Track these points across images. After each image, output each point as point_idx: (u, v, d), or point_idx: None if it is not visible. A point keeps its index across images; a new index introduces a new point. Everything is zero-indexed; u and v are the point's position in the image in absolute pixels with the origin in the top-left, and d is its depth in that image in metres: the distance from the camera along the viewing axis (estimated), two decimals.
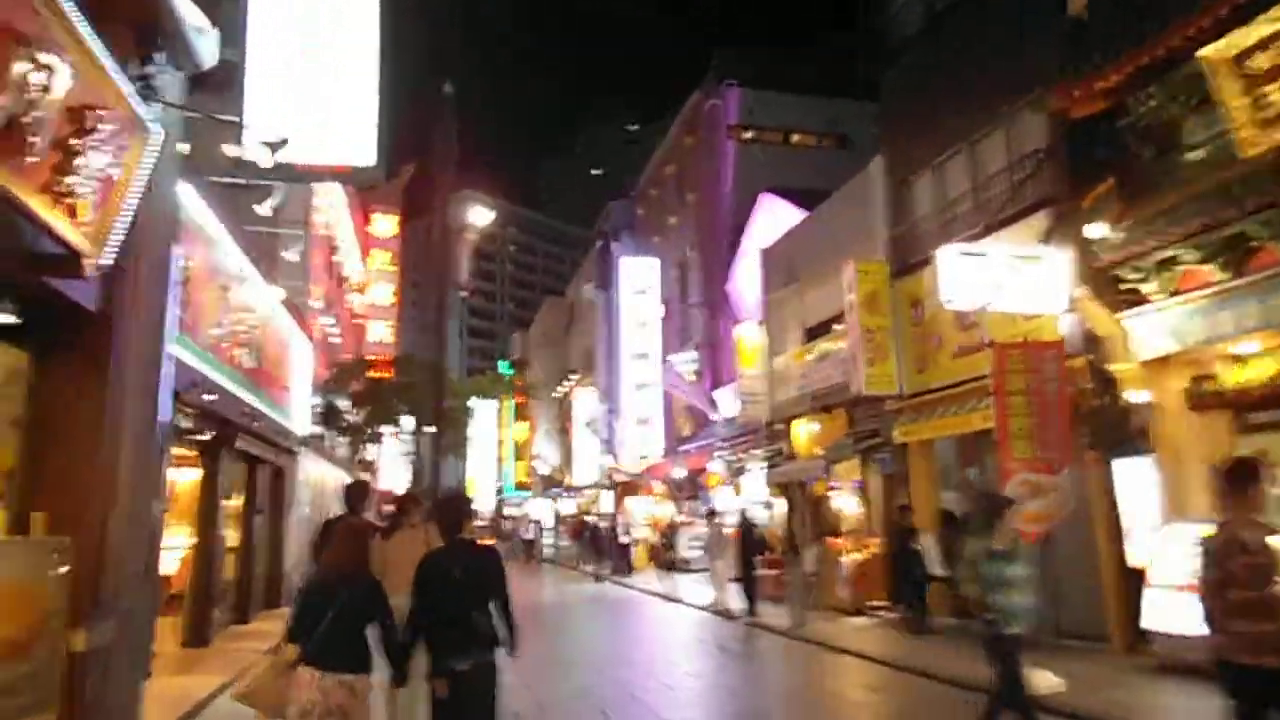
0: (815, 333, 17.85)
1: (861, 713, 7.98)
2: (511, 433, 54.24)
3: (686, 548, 23.98)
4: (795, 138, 29.26)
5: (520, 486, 52.63)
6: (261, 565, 14.44)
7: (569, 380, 42.57)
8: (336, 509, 21.58)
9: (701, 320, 28.07)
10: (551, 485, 45.53)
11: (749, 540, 14.11)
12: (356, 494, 6.89)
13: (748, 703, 8.19)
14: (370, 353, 22.91)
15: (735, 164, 28.00)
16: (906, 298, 13.12)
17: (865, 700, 8.28)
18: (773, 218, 23.31)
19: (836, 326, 16.78)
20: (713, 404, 20.27)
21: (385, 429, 21.91)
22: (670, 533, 23.09)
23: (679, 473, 24.41)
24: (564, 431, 45.26)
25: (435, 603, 4.29)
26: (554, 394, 44.63)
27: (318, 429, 17.99)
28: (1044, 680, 7.69)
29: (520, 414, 52.39)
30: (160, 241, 5.67)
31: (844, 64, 30.34)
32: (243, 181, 8.72)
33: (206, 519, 10.70)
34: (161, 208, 5.71)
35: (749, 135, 28.67)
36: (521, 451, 54.97)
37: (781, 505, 18.08)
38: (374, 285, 24.60)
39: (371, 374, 19.69)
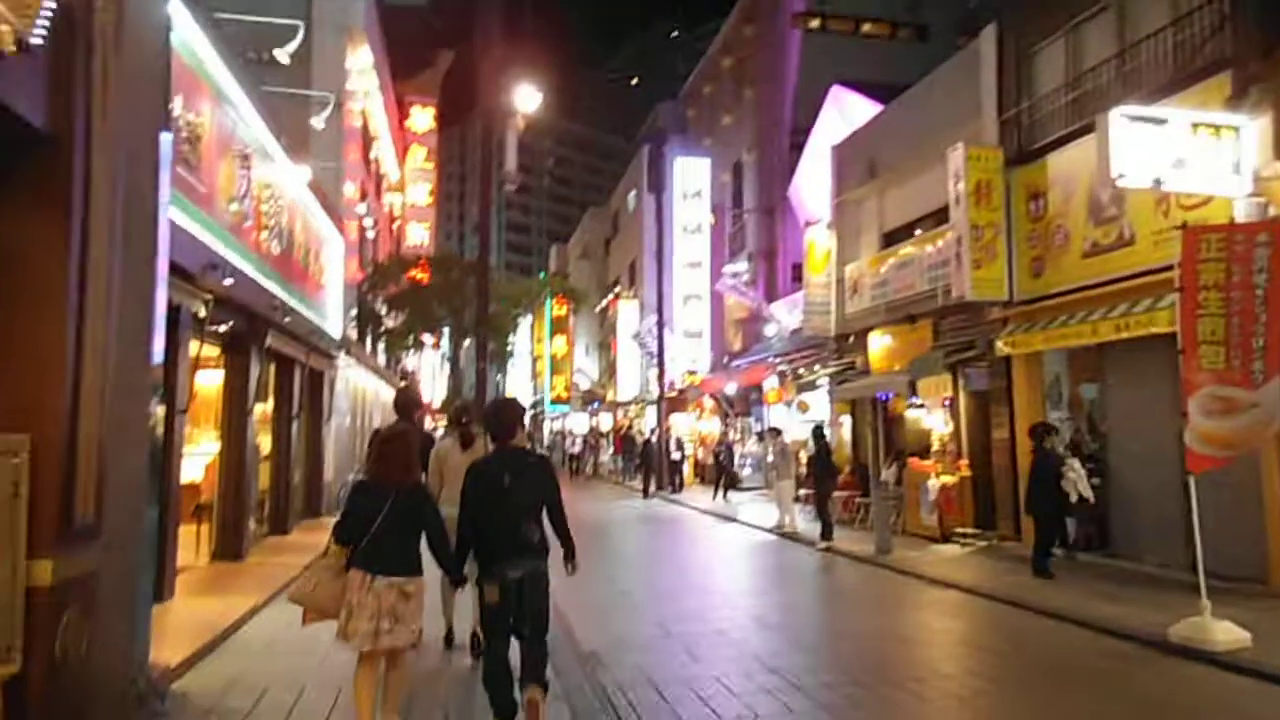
0: (894, 237, 16.17)
1: (1032, 672, 6.15)
2: (549, 346, 53.22)
3: (738, 465, 22.95)
4: (867, 27, 26.80)
5: (558, 401, 51.89)
6: (300, 474, 13.54)
7: (611, 293, 41.19)
8: (379, 418, 20.63)
9: (757, 228, 26.33)
10: (592, 400, 44.68)
11: (825, 460, 12.82)
12: (409, 401, 6.56)
13: (866, 645, 6.95)
14: (408, 255, 21.59)
15: (800, 56, 25.73)
16: (1023, 190, 11.36)
17: (1016, 651, 6.73)
18: (843, 112, 21.27)
19: (918, 231, 15.16)
20: (772, 314, 18.77)
21: (426, 337, 20.72)
22: (725, 449, 21.93)
23: (730, 388, 23.10)
24: (605, 346, 44.12)
25: (485, 510, 4.18)
26: (595, 307, 43.35)
27: (354, 334, 16.88)
28: (1226, 633, 6.39)
29: (558, 328, 51.26)
30: (135, 50, 4.25)
31: None
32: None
33: (234, 422, 9.61)
34: (138, 5, 4.29)
35: (815, 24, 26.28)
36: (559, 366, 54.13)
37: (848, 424, 16.74)
38: (411, 185, 23.14)
39: (414, 274, 18.34)
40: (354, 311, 16.67)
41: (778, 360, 20.10)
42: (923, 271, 14.23)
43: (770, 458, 14.87)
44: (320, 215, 12.52)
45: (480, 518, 4.18)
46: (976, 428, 12.70)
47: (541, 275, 56.75)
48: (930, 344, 13.69)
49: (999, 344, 11.46)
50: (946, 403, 12.98)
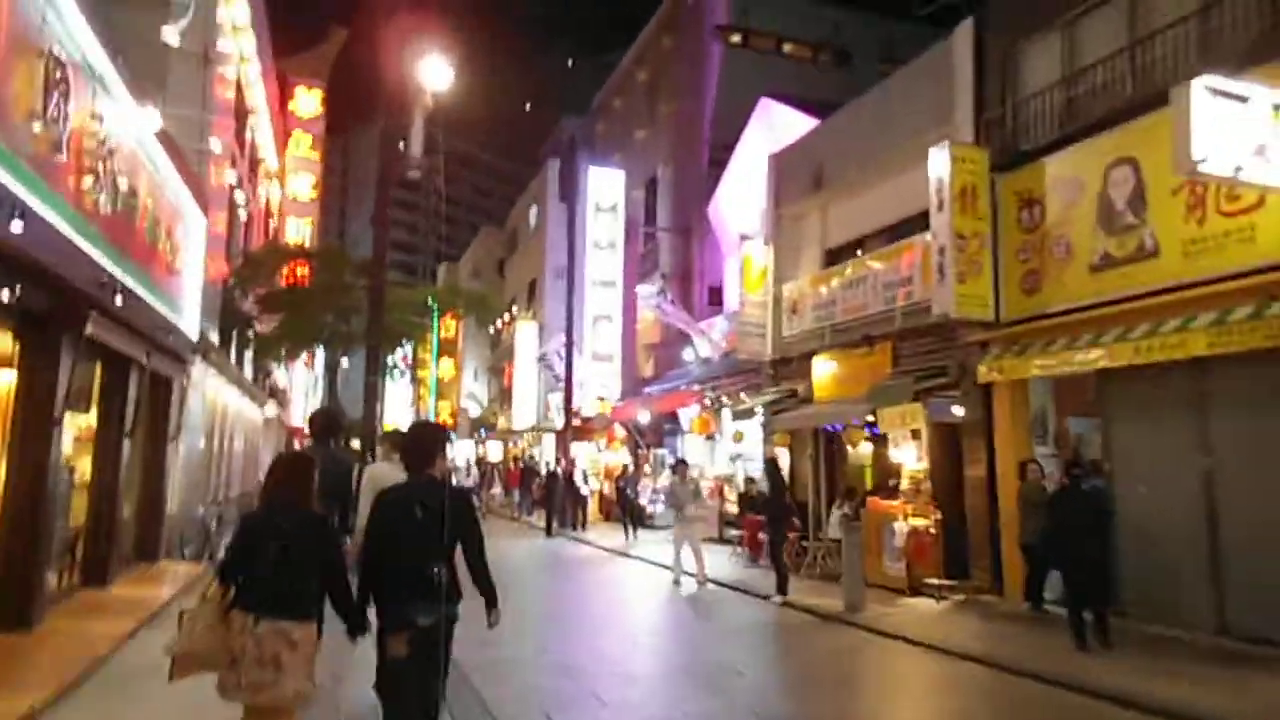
0: (839, 255, 14.89)
1: None
2: (435, 369, 50.09)
3: (647, 501, 21.11)
4: (788, 47, 25.96)
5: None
6: (131, 507, 10.76)
7: (507, 314, 38.87)
8: (242, 442, 17.43)
9: (671, 247, 24.85)
10: (481, 427, 41.98)
11: (780, 499, 11.15)
12: (330, 423, 6.11)
13: None
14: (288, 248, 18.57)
15: (721, 70, 24.62)
16: (1013, 198, 10.13)
17: None
18: (771, 126, 20.20)
19: (859, 251, 13.94)
20: (704, 333, 17.13)
21: (306, 349, 17.88)
22: (629, 482, 20.01)
23: (644, 417, 21.29)
24: (497, 370, 41.63)
25: (392, 546, 3.74)
26: (491, 327, 40.88)
27: (217, 338, 14.10)
28: None
29: (445, 349, 48.33)
30: None
31: None
32: None
33: (29, 436, 7.00)
34: None
35: (737, 39, 25.24)
36: (445, 390, 51.02)
37: (784, 458, 15.20)
38: (293, 176, 20.35)
39: (296, 270, 15.46)
40: (217, 307, 13.92)
41: (701, 387, 18.45)
42: (878, 290, 12.95)
43: (674, 495, 13.12)
44: (175, 181, 9.96)
45: (386, 554, 3.75)
46: (944, 464, 11.34)
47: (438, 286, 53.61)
48: (889, 369, 12.33)
49: (981, 369, 10.12)
50: (914, 436, 11.59)
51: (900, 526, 10.66)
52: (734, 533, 17.22)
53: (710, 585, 12.04)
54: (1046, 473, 9.50)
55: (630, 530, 18.72)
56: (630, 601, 11.66)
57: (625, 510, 19.54)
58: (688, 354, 21.93)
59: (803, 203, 15.57)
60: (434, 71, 12.72)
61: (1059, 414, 10.35)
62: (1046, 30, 10.16)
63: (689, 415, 21.34)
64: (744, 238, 16.01)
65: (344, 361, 26.52)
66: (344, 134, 79.88)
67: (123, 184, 7.84)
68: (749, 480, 16.36)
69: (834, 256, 14.98)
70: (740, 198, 21.44)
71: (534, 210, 37.15)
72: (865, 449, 14.51)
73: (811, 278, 14.84)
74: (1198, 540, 8.11)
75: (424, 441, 4.06)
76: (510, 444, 37.98)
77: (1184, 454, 8.34)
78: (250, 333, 15.42)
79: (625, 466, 22.01)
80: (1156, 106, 7.74)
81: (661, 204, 25.96)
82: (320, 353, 19.74)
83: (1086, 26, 9.74)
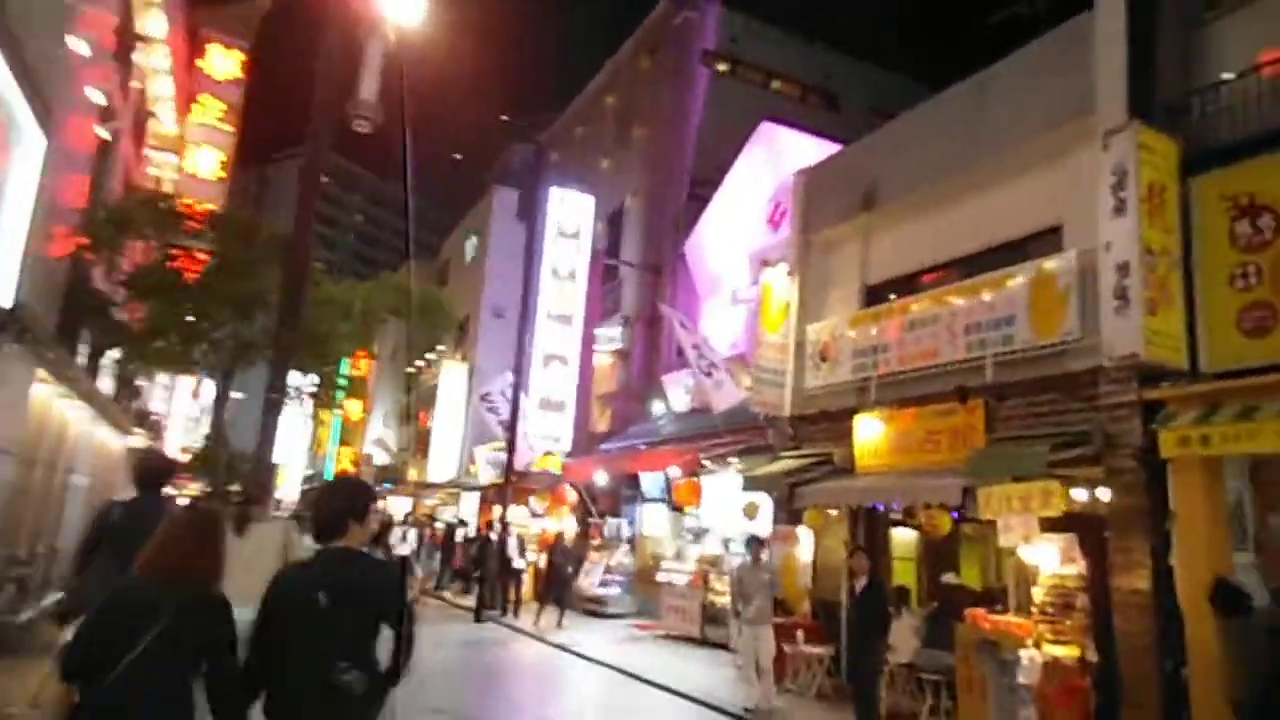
0: (883, 292, 12.10)
1: None
2: (339, 412, 45.13)
3: (598, 583, 17.48)
4: (776, 84, 23.81)
5: (344, 477, 43.73)
6: None
7: (432, 355, 34.88)
8: (87, 477, 13.20)
9: (638, 287, 21.80)
10: (387, 480, 37.38)
11: (878, 602, 7.84)
12: (157, 469, 4.79)
13: None
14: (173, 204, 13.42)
15: (707, 99, 22.10)
16: (1219, 205, 7.39)
17: None
18: (772, 152, 17.63)
19: (913, 289, 11.21)
20: (727, 376, 13.84)
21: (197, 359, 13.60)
22: (562, 552, 16.37)
23: (601, 478, 17.77)
24: (412, 415, 37.29)
25: (286, 641, 2.83)
26: (409, 369, 36.72)
27: (55, 325, 10.03)
28: None
29: (354, 390, 43.60)
30: None
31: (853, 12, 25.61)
32: None
33: None
34: None
35: (725, 67, 22.89)
36: (350, 435, 46.06)
37: (807, 541, 11.98)
38: (195, 148, 16.41)
39: (185, 244, 11.18)
40: (64, 288, 9.92)
41: (687, 446, 15.11)
42: (956, 334, 10.10)
43: (742, 584, 9.59)
44: None
45: (278, 654, 2.82)
46: (1096, 567, 8.28)
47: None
48: (982, 433, 9.37)
49: (1166, 437, 7.20)
50: (1043, 527, 8.49)
51: (1028, 657, 7.50)
52: (716, 631, 13.83)
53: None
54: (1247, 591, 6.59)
55: (558, 614, 15.20)
56: None
57: (550, 587, 15.97)
58: (657, 407, 18.69)
59: (838, 228, 12.75)
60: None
61: (1261, 507, 7.50)
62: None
63: (655, 481, 18.00)
64: (764, 263, 13.02)
65: (240, 387, 22.10)
66: (260, 165, 74.26)
67: None
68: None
69: (877, 294, 12.17)
70: (726, 234, 18.69)
71: (471, 242, 33.65)
72: (904, 535, 11.54)
73: (854, 316, 11.92)
74: None
75: (337, 502, 3.11)
76: (420, 500, 33.57)
77: None
78: (109, 328, 11.26)
79: (559, 534, 18.27)
80: None
81: (628, 239, 23.00)
82: (209, 376, 15.53)
83: None
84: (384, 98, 9.86)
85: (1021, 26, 12.09)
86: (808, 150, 16.12)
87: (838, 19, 24.70)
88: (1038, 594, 7.93)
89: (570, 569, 16.46)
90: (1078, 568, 7.72)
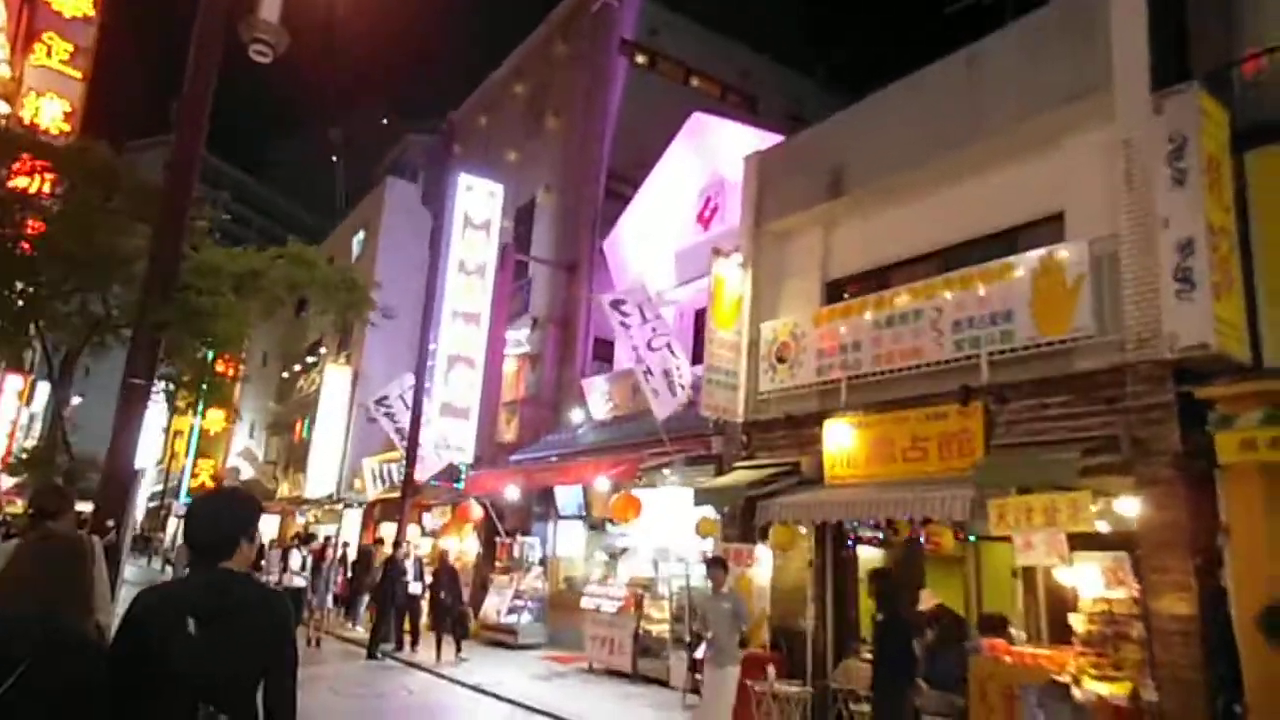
0: (846, 287, 11.10)
1: None
2: (198, 419, 40.90)
3: (506, 610, 15.67)
4: (696, 81, 22.83)
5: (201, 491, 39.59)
6: None
7: (308, 359, 31.99)
8: None
9: (550, 286, 20.22)
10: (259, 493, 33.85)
11: (904, 636, 6.58)
12: (58, 497, 4.53)
13: None
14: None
15: (625, 90, 20.84)
16: (1276, 181, 6.64)
17: None
18: (701, 145, 16.55)
19: (884, 284, 10.28)
20: (678, 386, 12.39)
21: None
22: (449, 575, 14.48)
23: (512, 493, 15.99)
24: (285, 426, 34.09)
25: (143, 684, 2.25)
26: (285, 374, 33.70)
27: None
28: None
29: (220, 396, 39.62)
30: None
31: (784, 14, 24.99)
32: None
33: None
34: None
35: (644, 59, 21.73)
36: (209, 447, 41.89)
37: (766, 562, 10.68)
38: (34, 97, 13.66)
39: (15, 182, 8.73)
40: None
41: (628, 456, 13.58)
42: (944, 330, 9.13)
43: (704, 617, 8.18)
44: None
45: (134, 698, 2.22)
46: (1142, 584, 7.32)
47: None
48: (981, 439, 8.38)
49: (1223, 441, 6.32)
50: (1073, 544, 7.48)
51: (1077, 696, 6.43)
52: (651, 664, 12.34)
53: None
54: None
55: (454, 647, 13.48)
56: None
57: (441, 613, 14.14)
58: (575, 415, 17.11)
59: (796, 216, 11.68)
60: None
61: None
62: None
63: (572, 496, 16.41)
64: (716, 252, 11.74)
65: (79, 389, 18.83)
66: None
67: None
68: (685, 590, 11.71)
69: (840, 289, 11.15)
70: (652, 232, 17.44)
71: (358, 237, 31.08)
72: (869, 554, 10.50)
73: (818, 313, 10.81)
74: None
75: (212, 518, 2.58)
76: (294, 518, 30.49)
77: None
78: None
79: (444, 552, 16.22)
80: None
81: (540, 236, 21.39)
82: (46, 362, 12.83)
83: None
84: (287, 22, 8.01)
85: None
86: (744, 142, 15.03)
87: (758, 18, 24.06)
88: (1077, 622, 6.89)
89: (450, 598, 14.38)
90: (1128, 591, 6.72)
